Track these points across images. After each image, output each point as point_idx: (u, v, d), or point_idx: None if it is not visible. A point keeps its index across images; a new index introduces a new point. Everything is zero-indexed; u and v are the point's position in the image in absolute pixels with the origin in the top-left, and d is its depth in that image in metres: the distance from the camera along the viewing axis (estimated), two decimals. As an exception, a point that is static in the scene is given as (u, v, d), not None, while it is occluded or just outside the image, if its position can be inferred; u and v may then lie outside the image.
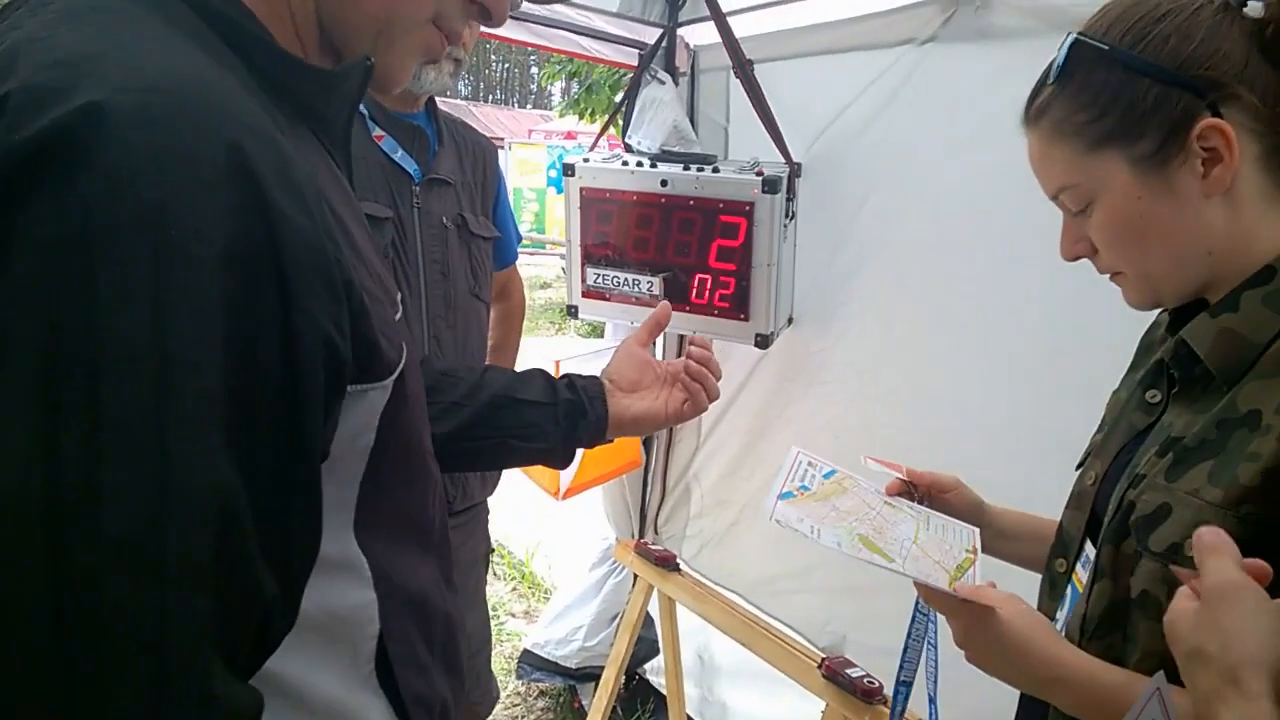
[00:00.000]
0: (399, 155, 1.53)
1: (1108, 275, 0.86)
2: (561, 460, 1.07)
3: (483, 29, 1.72)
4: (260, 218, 0.45)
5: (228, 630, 0.45)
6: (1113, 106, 0.76)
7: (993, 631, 0.79)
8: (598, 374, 1.10)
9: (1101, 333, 1.43)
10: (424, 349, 1.54)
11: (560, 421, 1.02)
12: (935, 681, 1.03)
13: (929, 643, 1.03)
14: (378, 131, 1.52)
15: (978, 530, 1.01)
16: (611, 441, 1.09)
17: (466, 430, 0.99)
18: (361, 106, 1.50)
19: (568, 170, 2.11)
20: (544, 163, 12.49)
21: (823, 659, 1.65)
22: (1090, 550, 0.86)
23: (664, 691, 2.40)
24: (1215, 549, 0.62)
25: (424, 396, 0.75)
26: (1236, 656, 0.58)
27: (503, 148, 12.13)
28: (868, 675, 1.60)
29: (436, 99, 1.65)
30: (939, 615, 0.92)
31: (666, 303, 1.31)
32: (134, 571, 0.41)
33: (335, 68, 0.63)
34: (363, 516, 0.61)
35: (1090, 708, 0.76)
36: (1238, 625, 0.59)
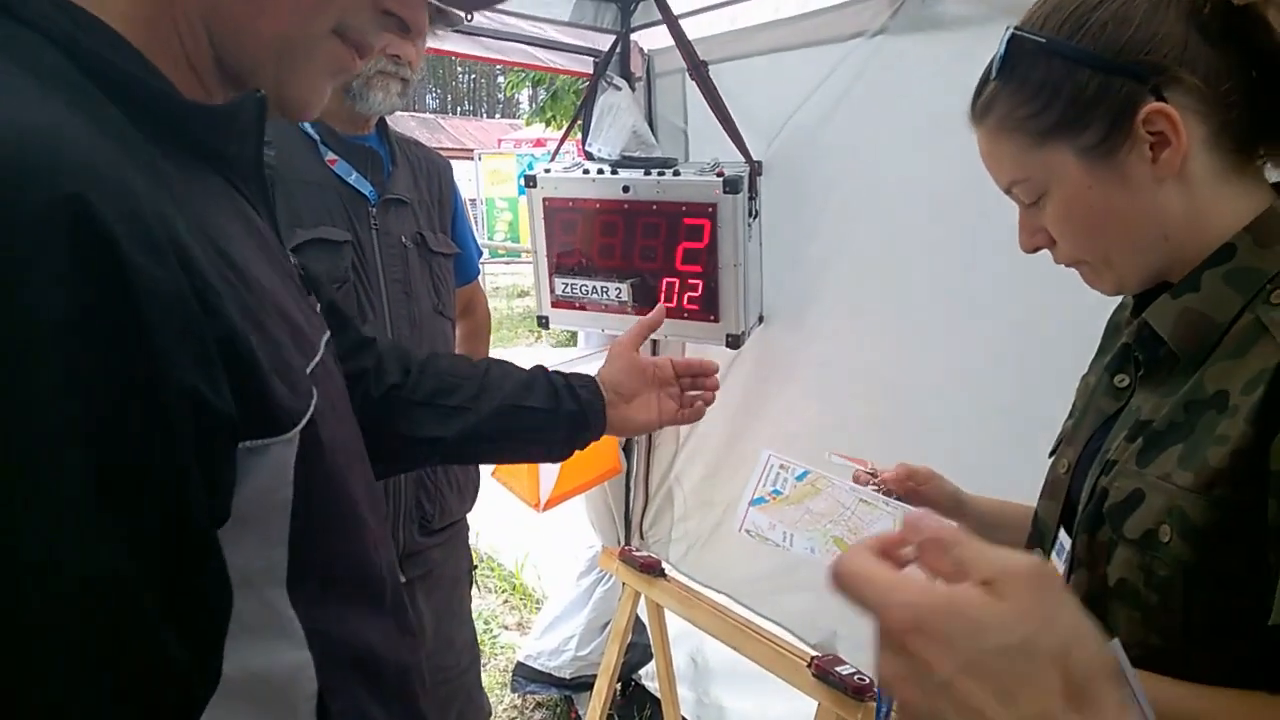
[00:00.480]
0: (353, 178, 1.52)
1: (1066, 265, 0.86)
2: (556, 460, 1.13)
3: (430, 44, 1.71)
4: (110, 274, 0.42)
5: (135, 706, 0.43)
6: (1056, 99, 0.76)
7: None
8: (595, 376, 1.13)
9: (1073, 316, 1.43)
10: None
11: (562, 429, 1.08)
12: None
13: None
14: (330, 155, 1.51)
15: (956, 527, 1.00)
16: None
17: (472, 435, 1.03)
18: (312, 131, 1.48)
19: (529, 182, 2.10)
20: (514, 172, 12.46)
21: (812, 658, 1.65)
22: (1065, 539, 0.86)
23: (660, 697, 2.40)
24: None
25: (355, 441, 0.71)
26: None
27: (473, 159, 12.08)
28: (858, 672, 1.60)
29: (391, 118, 1.64)
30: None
31: (662, 305, 1.32)
32: (22, 664, 0.39)
33: (219, 105, 0.59)
34: (295, 574, 0.57)
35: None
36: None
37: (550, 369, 1.13)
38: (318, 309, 0.75)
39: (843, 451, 1.10)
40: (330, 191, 1.49)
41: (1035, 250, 0.86)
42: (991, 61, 0.82)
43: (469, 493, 1.77)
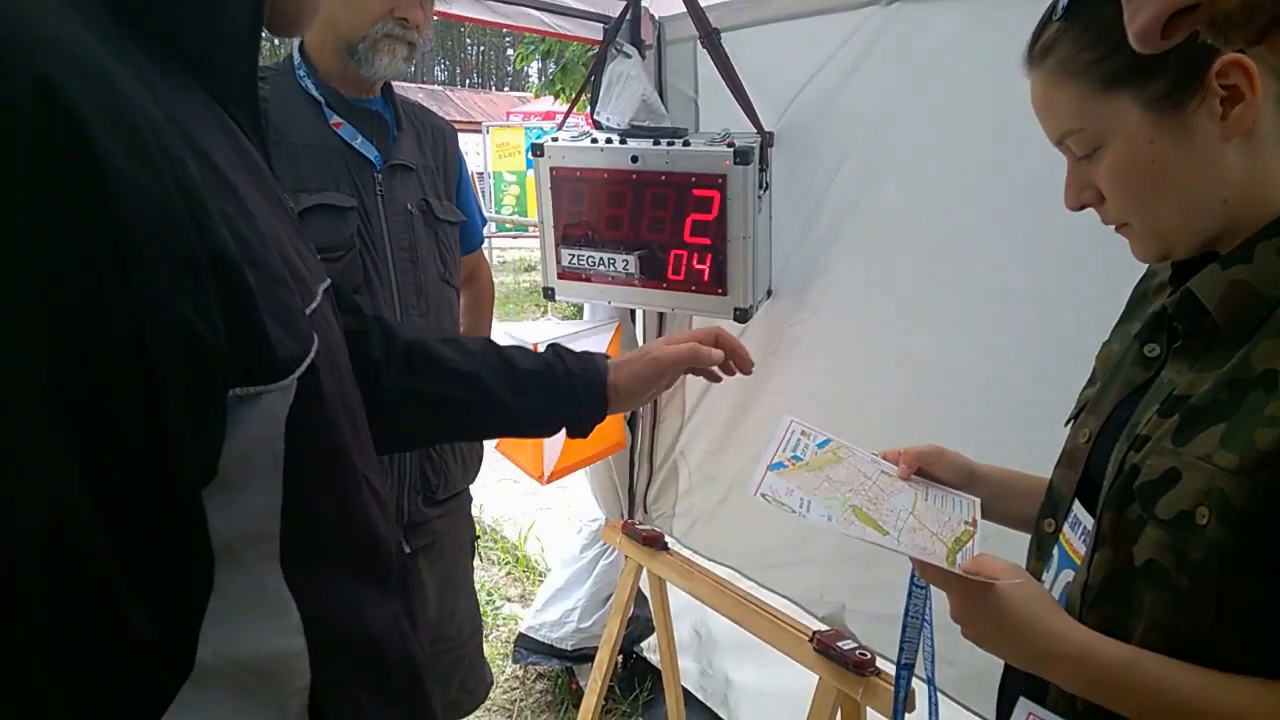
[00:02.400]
0: (359, 142, 1.49)
1: (1112, 227, 0.82)
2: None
3: (439, 8, 1.68)
4: (84, 172, 0.36)
5: (82, 686, 0.38)
6: (1124, 43, 0.72)
7: (991, 607, 0.76)
8: (605, 370, 1.07)
9: (1089, 289, 1.42)
10: None
11: (549, 421, 1.06)
12: (932, 662, 1.01)
13: (925, 620, 1.01)
14: (335, 119, 1.48)
15: (978, 501, 0.98)
16: None
17: (461, 417, 1.01)
18: (316, 93, 1.45)
19: (536, 151, 2.07)
20: (523, 145, 12.35)
21: (814, 633, 1.64)
22: (1079, 511, 0.84)
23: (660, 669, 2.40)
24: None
25: (353, 396, 0.63)
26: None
27: (480, 131, 11.99)
28: (860, 647, 1.59)
29: (406, 85, 1.62)
30: (934, 590, 0.90)
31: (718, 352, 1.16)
32: None
33: None
34: (291, 546, 0.51)
35: (1091, 685, 0.73)
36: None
37: (561, 356, 1.07)
38: (315, 252, 0.70)
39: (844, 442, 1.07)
40: (335, 155, 1.46)
41: (1081, 208, 0.82)
42: (1056, 1, 0.77)
43: (473, 464, 1.76)
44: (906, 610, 1.01)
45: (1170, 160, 0.73)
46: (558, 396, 1.03)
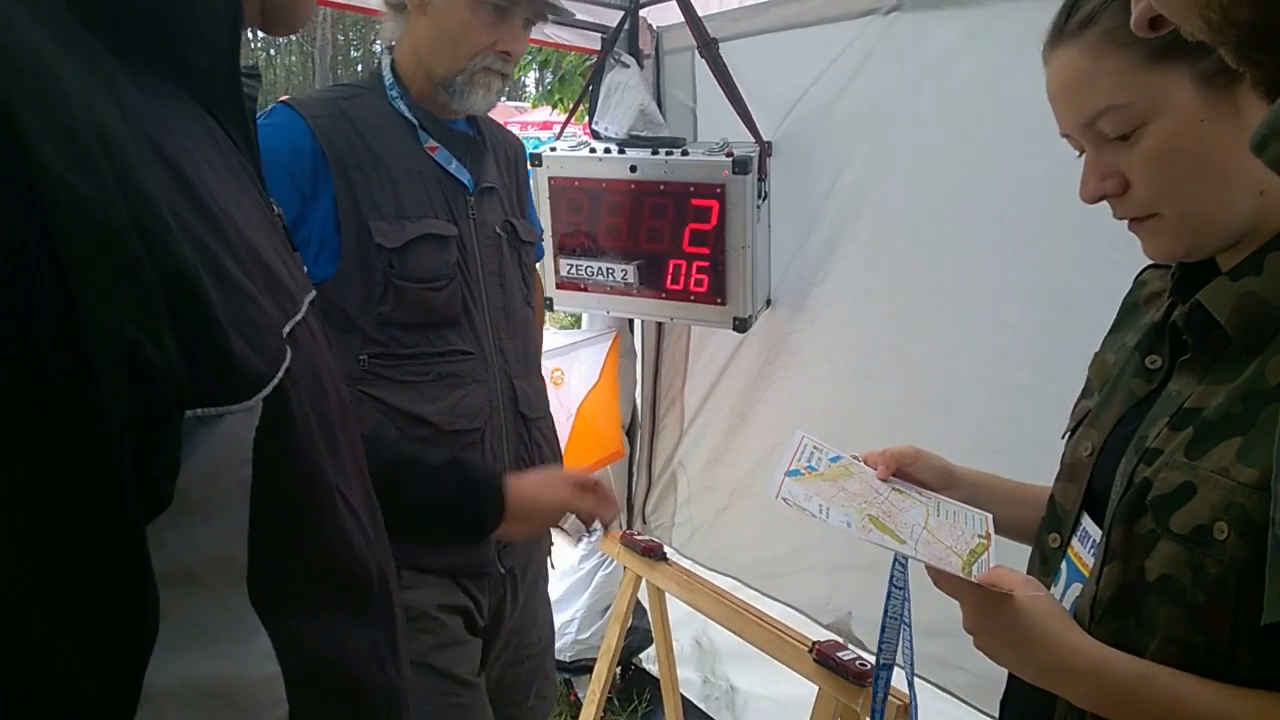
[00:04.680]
0: (453, 166, 1.43)
1: (1116, 228, 0.79)
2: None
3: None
4: (20, 183, 0.35)
5: None
6: None
7: (1005, 619, 0.75)
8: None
9: (1086, 298, 1.42)
10: (492, 365, 1.47)
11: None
12: (912, 662, 1.01)
13: (905, 622, 1.00)
14: (430, 143, 1.41)
15: (990, 516, 0.97)
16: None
17: None
18: (410, 115, 1.39)
19: (534, 160, 2.07)
20: (520, 154, 12.36)
21: (813, 643, 1.63)
22: (1089, 524, 0.83)
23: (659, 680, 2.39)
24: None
25: (335, 413, 0.59)
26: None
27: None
28: (859, 658, 1.58)
29: None
30: (916, 594, 0.89)
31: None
32: None
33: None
34: (258, 572, 0.49)
35: (1103, 700, 0.72)
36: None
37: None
38: (301, 264, 0.68)
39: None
40: (431, 181, 1.40)
41: (1099, 199, 0.78)
42: None
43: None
44: (885, 611, 1.00)
45: (1217, 142, 0.70)
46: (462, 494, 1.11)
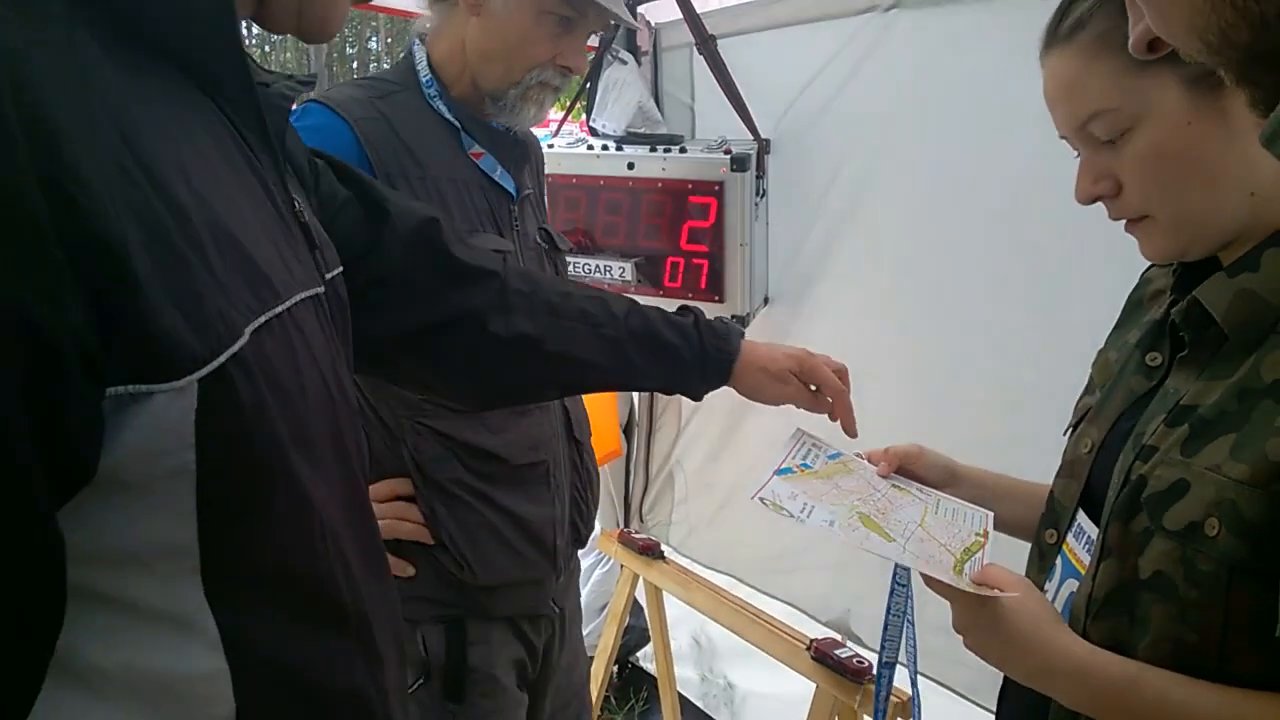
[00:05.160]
0: (498, 174, 1.30)
1: (1116, 227, 0.79)
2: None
3: (418, 10, 1.64)
4: None
5: None
6: None
7: (992, 621, 0.75)
8: (734, 352, 1.12)
9: (1086, 295, 1.41)
10: None
11: (669, 387, 1.14)
12: (915, 660, 1.01)
13: (908, 620, 1.00)
14: (475, 148, 1.28)
15: (991, 514, 0.96)
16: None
17: (589, 377, 1.08)
18: (451, 117, 1.26)
19: (532, 157, 2.06)
20: (517, 152, 12.34)
21: (811, 641, 1.63)
22: (1084, 521, 0.83)
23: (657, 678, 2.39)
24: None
25: (323, 422, 0.57)
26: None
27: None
28: (857, 655, 1.58)
29: None
30: (919, 591, 0.89)
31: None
32: None
33: None
34: (213, 563, 0.48)
35: (1093, 702, 0.72)
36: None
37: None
38: (325, 263, 0.66)
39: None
40: (475, 190, 1.27)
41: (1093, 201, 0.79)
42: None
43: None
44: (888, 609, 1.01)
45: (1205, 145, 0.71)
46: (686, 369, 1.09)
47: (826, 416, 1.15)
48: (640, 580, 2.09)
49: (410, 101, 1.25)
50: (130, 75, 0.46)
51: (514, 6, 1.20)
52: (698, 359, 1.09)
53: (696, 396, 1.15)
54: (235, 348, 0.47)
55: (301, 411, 0.54)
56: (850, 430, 1.10)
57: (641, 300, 1.13)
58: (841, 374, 1.14)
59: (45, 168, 0.38)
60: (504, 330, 1.00)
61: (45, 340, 0.38)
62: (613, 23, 1.31)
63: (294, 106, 0.69)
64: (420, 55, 1.28)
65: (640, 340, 1.06)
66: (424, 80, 1.26)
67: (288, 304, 0.54)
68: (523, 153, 1.35)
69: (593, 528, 1.48)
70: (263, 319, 0.50)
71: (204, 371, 0.45)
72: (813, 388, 1.13)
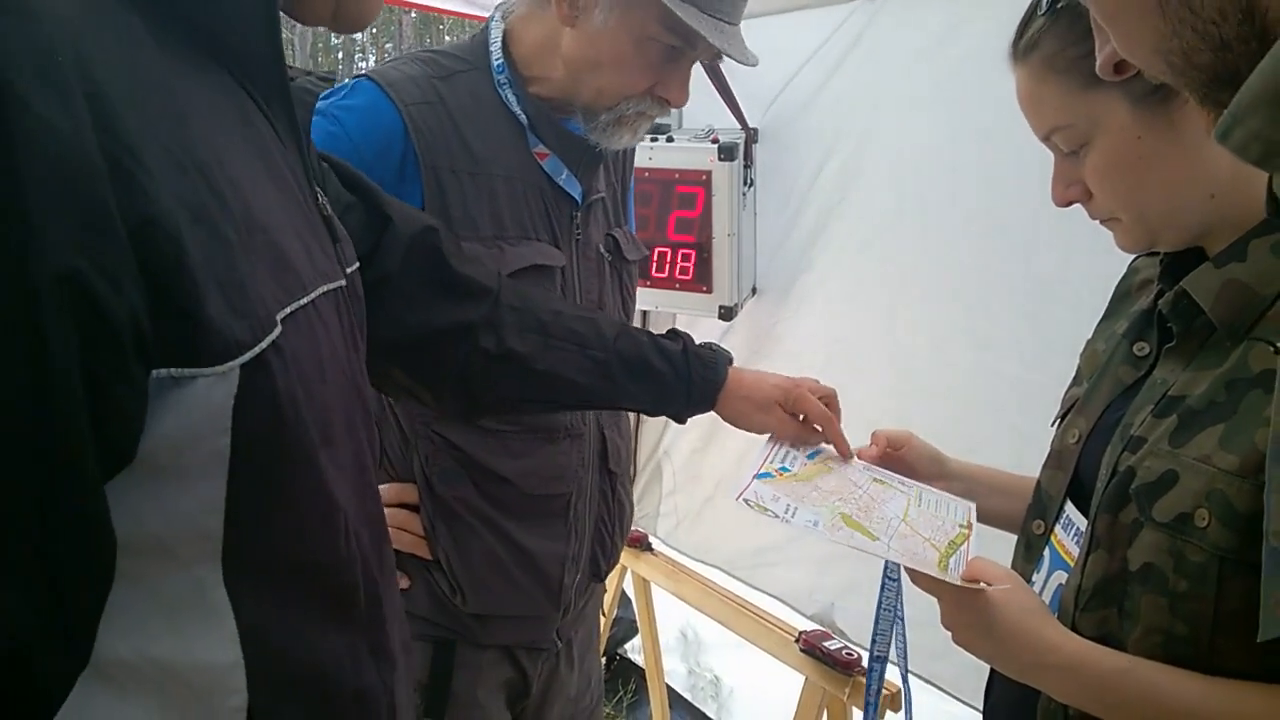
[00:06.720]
0: (564, 178, 1.18)
1: (1099, 220, 0.82)
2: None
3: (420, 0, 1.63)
4: None
5: None
6: None
7: (980, 615, 0.75)
8: (721, 380, 1.12)
9: (1075, 285, 1.41)
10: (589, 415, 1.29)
11: (653, 410, 1.16)
12: (905, 655, 1.00)
13: (898, 614, 1.00)
14: (540, 148, 1.16)
15: (973, 505, 0.97)
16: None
17: (573, 396, 1.08)
18: (520, 112, 1.15)
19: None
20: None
21: (800, 633, 1.63)
22: (1072, 512, 0.83)
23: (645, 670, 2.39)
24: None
25: (345, 414, 0.58)
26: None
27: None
28: (846, 647, 1.58)
29: None
30: (906, 586, 0.89)
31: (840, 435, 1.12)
32: None
33: None
34: (235, 551, 0.48)
35: (1083, 695, 0.72)
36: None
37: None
38: (345, 258, 0.66)
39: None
40: (535, 194, 1.16)
41: (1067, 204, 0.82)
42: None
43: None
44: (879, 604, 1.01)
45: (1158, 155, 0.73)
46: (670, 396, 1.10)
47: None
48: (629, 572, 2.09)
49: (475, 85, 1.14)
50: (173, 61, 0.47)
51: (615, 26, 1.06)
52: (683, 386, 1.10)
53: (680, 420, 1.16)
54: (274, 335, 0.48)
55: (323, 403, 0.54)
56: (844, 454, 1.07)
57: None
58: (829, 400, 1.11)
59: (109, 144, 0.39)
60: (494, 346, 1.01)
61: (103, 313, 0.38)
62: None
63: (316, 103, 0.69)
64: (496, 34, 1.15)
65: (628, 364, 1.07)
66: (495, 64, 1.14)
67: (312, 296, 0.55)
68: (594, 157, 1.20)
69: (616, 561, 1.39)
70: (289, 309, 0.51)
71: (246, 357, 0.45)
72: (801, 417, 1.11)
